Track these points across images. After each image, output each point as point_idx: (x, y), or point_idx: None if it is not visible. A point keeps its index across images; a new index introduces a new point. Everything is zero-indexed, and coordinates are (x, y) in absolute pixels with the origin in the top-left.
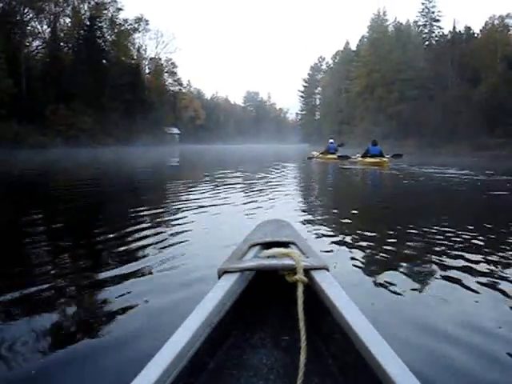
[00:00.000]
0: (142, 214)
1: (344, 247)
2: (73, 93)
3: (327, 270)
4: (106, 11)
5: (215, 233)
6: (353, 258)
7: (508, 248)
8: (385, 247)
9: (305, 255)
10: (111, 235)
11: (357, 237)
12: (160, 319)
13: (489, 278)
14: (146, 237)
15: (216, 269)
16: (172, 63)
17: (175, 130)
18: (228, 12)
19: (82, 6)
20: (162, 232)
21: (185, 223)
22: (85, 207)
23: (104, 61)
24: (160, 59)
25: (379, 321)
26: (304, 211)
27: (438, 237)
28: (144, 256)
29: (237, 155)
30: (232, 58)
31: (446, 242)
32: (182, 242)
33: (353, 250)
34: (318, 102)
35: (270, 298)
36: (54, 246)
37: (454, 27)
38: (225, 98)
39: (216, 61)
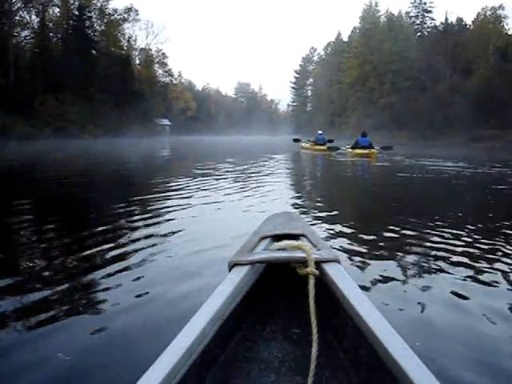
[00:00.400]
0: (132, 206)
1: (342, 239)
2: (61, 83)
3: (339, 262)
4: (95, 1)
5: (205, 224)
6: (357, 252)
7: None
8: (385, 241)
9: (316, 248)
10: (104, 229)
11: (347, 230)
12: (169, 311)
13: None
14: (137, 228)
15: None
16: (162, 54)
17: (166, 122)
18: (219, 2)
19: None
20: (153, 226)
21: (179, 215)
22: (81, 200)
23: (93, 51)
24: (150, 50)
25: (391, 313)
26: (296, 204)
27: (438, 230)
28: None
29: (227, 147)
30: (223, 49)
31: (449, 236)
32: (176, 232)
33: (351, 243)
34: (309, 93)
35: (280, 291)
36: (66, 238)
37: (446, 18)
38: (216, 89)
39: (207, 52)
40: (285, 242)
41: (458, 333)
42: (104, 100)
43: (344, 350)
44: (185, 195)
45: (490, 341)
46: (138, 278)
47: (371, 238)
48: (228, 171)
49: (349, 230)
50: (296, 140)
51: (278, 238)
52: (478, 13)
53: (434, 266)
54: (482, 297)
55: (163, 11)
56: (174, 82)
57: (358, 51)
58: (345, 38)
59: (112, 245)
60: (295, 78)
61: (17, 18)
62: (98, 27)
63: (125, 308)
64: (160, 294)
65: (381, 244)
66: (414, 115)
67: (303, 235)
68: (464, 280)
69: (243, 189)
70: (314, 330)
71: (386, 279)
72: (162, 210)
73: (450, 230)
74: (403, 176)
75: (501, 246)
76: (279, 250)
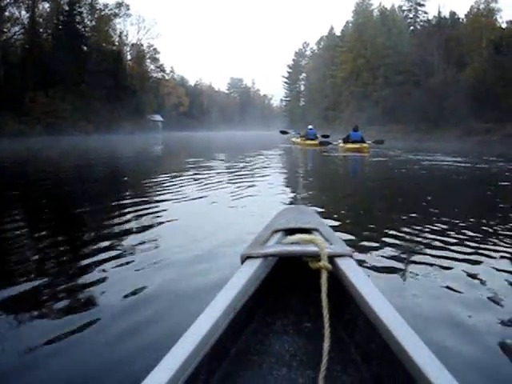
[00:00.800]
0: (124, 203)
1: (351, 234)
2: (52, 79)
3: (351, 257)
4: None
5: (197, 221)
6: (369, 247)
7: None
8: (397, 237)
9: (328, 242)
10: (104, 225)
11: (353, 225)
12: (180, 304)
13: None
14: (134, 224)
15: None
16: (154, 49)
17: (158, 117)
18: None
19: None
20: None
21: (173, 209)
22: (77, 198)
23: (84, 47)
24: (142, 45)
25: (405, 308)
26: (291, 198)
27: (446, 226)
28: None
29: (220, 142)
30: (216, 44)
31: (459, 231)
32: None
33: (361, 238)
34: (302, 88)
35: (292, 285)
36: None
37: (439, 12)
38: (209, 84)
39: (199, 47)
40: (297, 236)
41: (477, 328)
42: (95, 96)
43: (356, 345)
44: (177, 191)
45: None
46: (148, 271)
47: (383, 233)
48: (220, 167)
49: (355, 226)
50: (283, 132)
51: (290, 231)
52: (471, 6)
53: (447, 261)
54: (498, 291)
55: (155, 6)
56: (167, 77)
57: (351, 45)
58: (337, 32)
59: (115, 240)
60: (288, 72)
61: (6, 13)
62: (88, 22)
63: (135, 302)
64: (171, 287)
65: (394, 239)
66: (407, 109)
67: (316, 229)
68: (484, 275)
69: (234, 185)
70: (326, 325)
71: (400, 274)
72: (158, 207)
73: (458, 225)
74: (402, 172)
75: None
76: (292, 243)
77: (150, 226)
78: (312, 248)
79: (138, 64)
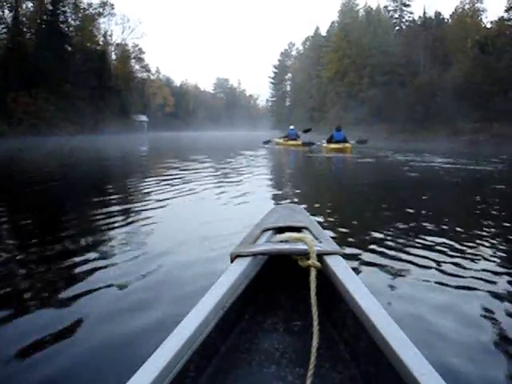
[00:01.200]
0: (110, 205)
1: (341, 233)
2: (35, 79)
3: (340, 255)
4: None
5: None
6: (358, 245)
7: None
8: (388, 236)
9: (318, 240)
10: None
11: (343, 225)
12: (170, 302)
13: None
14: (121, 223)
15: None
16: (139, 49)
17: (143, 118)
18: None
19: None
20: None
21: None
22: (65, 201)
23: (68, 46)
24: (127, 45)
25: (392, 307)
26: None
27: (435, 225)
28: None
29: (206, 143)
30: (201, 44)
31: (449, 231)
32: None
33: (351, 236)
34: (288, 88)
35: (282, 283)
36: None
37: (425, 12)
38: (194, 84)
39: (185, 47)
40: (287, 235)
41: (461, 329)
42: (79, 96)
43: (345, 342)
44: (163, 193)
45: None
46: (137, 271)
47: (372, 232)
48: (205, 168)
49: (344, 225)
50: (266, 142)
51: (280, 230)
52: (457, 6)
53: (435, 260)
54: (487, 291)
55: (140, 6)
56: (152, 77)
57: (337, 45)
58: (323, 32)
59: (101, 242)
60: (274, 73)
61: None
62: (72, 22)
63: (122, 304)
64: (159, 287)
65: (383, 238)
66: (394, 109)
67: (306, 228)
68: (470, 274)
69: (219, 186)
70: (315, 322)
71: (388, 272)
72: (144, 206)
73: (447, 225)
74: (391, 173)
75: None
76: (281, 242)
77: (135, 227)
78: (301, 246)
79: (123, 64)
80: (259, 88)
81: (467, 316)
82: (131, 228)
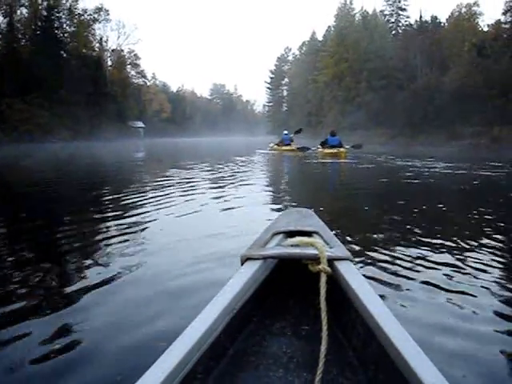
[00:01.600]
0: (109, 209)
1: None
2: (30, 86)
3: (351, 260)
4: (64, 1)
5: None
6: (369, 251)
7: None
8: (398, 243)
9: (328, 245)
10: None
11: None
12: (179, 305)
13: None
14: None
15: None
16: (135, 55)
17: (140, 124)
18: (193, 3)
19: None
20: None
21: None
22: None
23: (63, 52)
24: (122, 51)
25: (402, 313)
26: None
27: (448, 232)
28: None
29: (203, 149)
30: (198, 50)
31: (457, 240)
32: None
33: (362, 243)
34: (285, 93)
35: (291, 287)
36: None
37: (421, 16)
38: (191, 90)
39: (182, 53)
40: (297, 239)
41: (476, 337)
42: (75, 102)
43: (353, 348)
44: (164, 200)
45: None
46: (148, 272)
47: (383, 238)
48: (202, 175)
49: (354, 230)
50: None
51: (290, 234)
52: (453, 10)
53: (446, 266)
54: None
55: (135, 12)
56: (148, 83)
57: (334, 50)
58: (319, 37)
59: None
60: (270, 78)
61: None
62: (67, 28)
63: (135, 301)
64: (169, 289)
65: (394, 245)
66: (391, 113)
67: (316, 232)
68: (481, 281)
69: (218, 192)
70: (324, 328)
71: (399, 280)
72: (144, 215)
73: (461, 233)
74: (396, 179)
75: None
76: (292, 246)
77: (138, 233)
78: (312, 251)
79: (119, 70)
80: (256, 93)
81: (481, 326)
82: (133, 236)
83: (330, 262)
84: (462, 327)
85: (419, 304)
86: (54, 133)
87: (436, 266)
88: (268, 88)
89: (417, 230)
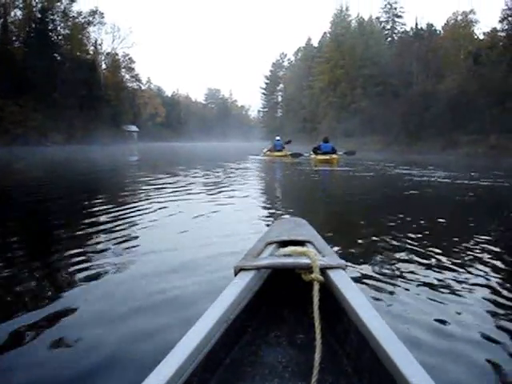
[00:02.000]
0: (102, 215)
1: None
2: (23, 88)
3: (343, 269)
4: (58, 3)
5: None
6: (361, 259)
7: None
8: (390, 250)
9: (321, 254)
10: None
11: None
12: (173, 315)
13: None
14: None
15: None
16: (129, 58)
17: (134, 128)
18: (188, 7)
19: None
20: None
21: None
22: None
23: (57, 55)
24: (117, 54)
25: (396, 323)
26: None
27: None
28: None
29: (197, 154)
30: (193, 54)
31: (454, 249)
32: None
33: (355, 251)
34: (280, 99)
35: (285, 297)
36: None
37: (417, 24)
38: (186, 95)
39: (176, 57)
40: (290, 248)
41: (467, 344)
42: (68, 105)
43: (347, 356)
44: (159, 206)
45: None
46: (139, 284)
47: (375, 247)
48: (195, 181)
49: (347, 239)
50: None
51: (284, 243)
52: (449, 17)
53: (439, 276)
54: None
55: (131, 16)
56: (143, 87)
57: (329, 56)
58: (315, 43)
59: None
60: (265, 83)
61: None
62: (61, 30)
63: (126, 313)
64: (163, 299)
65: (386, 254)
66: (387, 120)
67: (309, 241)
68: (478, 294)
69: (211, 198)
70: (318, 336)
71: (391, 287)
72: (136, 222)
73: (455, 244)
74: (395, 188)
75: None
76: (285, 255)
77: (132, 241)
78: (304, 260)
79: (113, 73)
80: (251, 98)
81: (472, 334)
82: (122, 244)
83: (323, 270)
84: (456, 335)
85: (412, 311)
86: (46, 136)
87: (430, 275)
88: (263, 93)
89: (412, 240)
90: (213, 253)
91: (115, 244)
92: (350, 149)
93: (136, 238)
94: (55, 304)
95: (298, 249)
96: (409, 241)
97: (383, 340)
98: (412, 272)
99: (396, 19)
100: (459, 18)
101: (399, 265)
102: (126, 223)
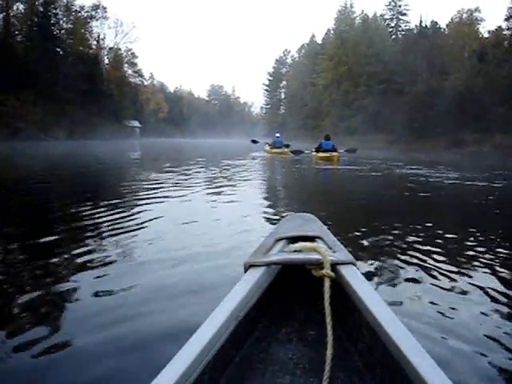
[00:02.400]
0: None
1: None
2: (24, 82)
3: (354, 265)
4: None
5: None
6: (372, 255)
7: None
8: (402, 247)
9: (331, 250)
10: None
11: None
12: (182, 314)
13: None
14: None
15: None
16: (132, 53)
17: (136, 123)
18: (192, 3)
19: None
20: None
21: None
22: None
23: (59, 49)
24: (119, 49)
25: (408, 319)
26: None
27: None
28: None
29: (199, 151)
30: (196, 50)
31: (467, 244)
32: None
33: (366, 246)
34: (283, 96)
35: (296, 293)
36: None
37: (421, 21)
38: (188, 91)
39: (180, 53)
40: (300, 244)
41: (481, 340)
42: (70, 100)
43: (359, 353)
44: (160, 202)
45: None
46: (148, 281)
47: (387, 243)
48: (198, 178)
49: (358, 235)
50: (254, 141)
51: (293, 239)
52: (454, 15)
53: (451, 272)
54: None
55: (134, 11)
56: (146, 83)
57: (333, 53)
58: (319, 40)
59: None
60: (268, 80)
61: None
62: (64, 25)
63: (139, 310)
64: (172, 297)
65: (397, 250)
66: (390, 118)
67: (319, 237)
68: (488, 284)
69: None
70: (329, 333)
71: (402, 283)
72: (139, 218)
73: (469, 242)
74: (406, 188)
75: None
76: (295, 251)
77: (135, 239)
78: (315, 256)
79: (116, 68)
80: (254, 95)
81: (485, 331)
82: (130, 240)
83: (334, 266)
84: (470, 331)
85: (424, 307)
86: (48, 131)
87: (442, 271)
88: (266, 90)
89: (423, 239)
90: (222, 249)
91: (117, 238)
92: (352, 147)
93: (143, 232)
94: (61, 298)
95: (308, 244)
96: (422, 240)
97: (396, 336)
98: (425, 268)
99: (400, 17)
100: (464, 15)
101: (412, 261)
102: (129, 219)
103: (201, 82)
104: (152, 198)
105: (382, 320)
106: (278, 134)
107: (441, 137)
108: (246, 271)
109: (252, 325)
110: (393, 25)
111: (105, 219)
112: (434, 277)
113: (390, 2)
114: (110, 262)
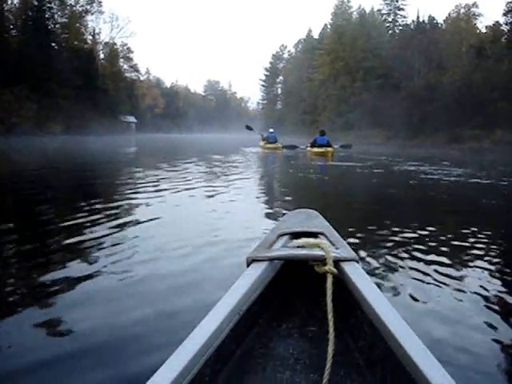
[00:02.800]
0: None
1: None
2: (18, 77)
3: (357, 262)
4: None
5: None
6: (375, 252)
7: None
8: (405, 243)
9: (334, 246)
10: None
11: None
12: (184, 307)
13: None
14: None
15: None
16: (128, 48)
17: (132, 119)
18: None
19: None
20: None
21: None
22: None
23: (54, 44)
24: (115, 44)
25: (410, 316)
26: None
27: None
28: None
29: (195, 147)
30: (192, 45)
31: (468, 237)
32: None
33: (369, 243)
34: (279, 91)
35: (298, 289)
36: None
37: (418, 16)
38: (185, 86)
39: (176, 48)
40: (303, 240)
41: (484, 339)
42: (65, 95)
43: (360, 350)
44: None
45: None
46: (149, 275)
47: (390, 239)
48: (195, 174)
49: (361, 232)
50: (248, 127)
51: (296, 235)
52: (451, 10)
53: (454, 268)
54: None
55: (129, 5)
56: (141, 78)
57: (330, 48)
58: (316, 35)
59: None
60: (265, 75)
61: None
62: (58, 19)
63: (139, 305)
64: (174, 289)
65: (400, 247)
66: (388, 114)
67: (322, 233)
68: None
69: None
70: (331, 329)
71: (405, 280)
72: (139, 215)
73: (472, 240)
74: (410, 184)
75: None
76: (297, 247)
77: (134, 233)
78: (318, 252)
79: (111, 63)
80: (250, 90)
81: (490, 329)
82: (125, 235)
83: (336, 262)
84: (474, 330)
85: (427, 305)
86: (42, 126)
87: (446, 268)
88: (262, 85)
89: (426, 235)
90: (224, 243)
91: (116, 235)
92: (348, 142)
93: (145, 228)
94: (61, 294)
95: (311, 240)
96: (427, 238)
97: (397, 333)
98: (428, 265)
99: (398, 12)
100: (462, 11)
101: (415, 258)
102: (130, 214)
103: (197, 77)
104: (150, 192)
105: (384, 317)
106: (271, 130)
107: (440, 132)
108: (248, 266)
109: (253, 319)
110: (390, 20)
111: (101, 215)
112: (438, 273)
113: None
114: (107, 256)
